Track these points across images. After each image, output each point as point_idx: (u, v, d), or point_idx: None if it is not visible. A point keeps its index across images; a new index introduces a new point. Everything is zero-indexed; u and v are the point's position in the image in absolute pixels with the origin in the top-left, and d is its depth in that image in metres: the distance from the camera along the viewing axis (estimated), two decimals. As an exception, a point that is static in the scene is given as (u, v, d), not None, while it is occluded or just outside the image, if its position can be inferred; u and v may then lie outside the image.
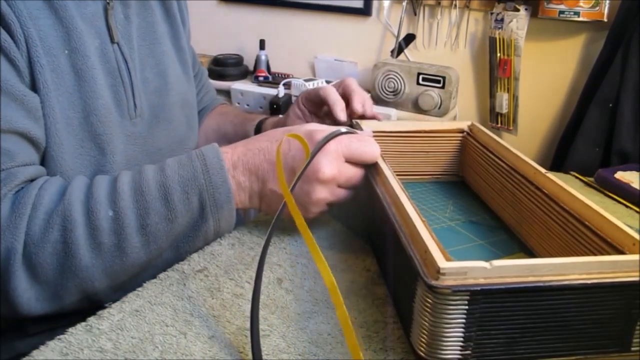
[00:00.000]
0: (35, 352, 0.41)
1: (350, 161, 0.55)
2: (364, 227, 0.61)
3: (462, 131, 0.72)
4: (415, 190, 0.71)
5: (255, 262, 0.54)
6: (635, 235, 0.42)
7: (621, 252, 0.43)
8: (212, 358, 0.41)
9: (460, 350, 0.38)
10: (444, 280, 0.37)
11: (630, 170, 0.81)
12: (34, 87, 0.55)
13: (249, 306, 0.47)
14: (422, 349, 0.39)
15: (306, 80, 1.64)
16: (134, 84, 0.65)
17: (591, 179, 0.82)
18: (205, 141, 0.90)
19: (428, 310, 0.38)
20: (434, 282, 0.37)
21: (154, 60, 0.70)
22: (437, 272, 0.37)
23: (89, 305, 0.52)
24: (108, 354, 0.41)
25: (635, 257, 0.40)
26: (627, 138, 1.30)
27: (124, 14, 0.66)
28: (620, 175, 0.79)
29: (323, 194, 0.54)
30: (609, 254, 0.44)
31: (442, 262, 0.37)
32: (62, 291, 0.51)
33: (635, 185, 0.76)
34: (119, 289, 0.53)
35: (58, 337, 0.43)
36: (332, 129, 0.56)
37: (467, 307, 0.37)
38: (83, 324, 0.44)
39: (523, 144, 1.64)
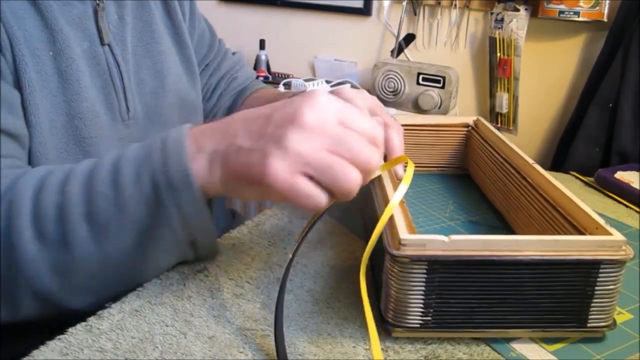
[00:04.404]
0: (35, 352, 0.41)
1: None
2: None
3: (467, 125, 0.73)
4: (420, 182, 0.72)
5: (255, 261, 0.54)
6: (599, 219, 0.44)
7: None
8: (212, 358, 0.41)
9: (421, 316, 0.42)
10: (404, 250, 0.41)
11: (630, 170, 0.81)
12: (18, 86, 0.54)
13: (250, 306, 0.47)
14: (389, 315, 0.43)
15: (306, 80, 1.64)
16: (126, 86, 0.64)
17: (591, 179, 0.82)
18: None
19: (393, 279, 0.42)
20: (395, 252, 0.41)
21: (150, 60, 0.69)
22: (399, 243, 0.41)
23: (56, 315, 0.48)
24: (108, 354, 0.41)
25: (588, 237, 0.42)
26: (627, 138, 1.29)
27: (117, 14, 0.65)
28: (620, 175, 0.79)
29: (299, 143, 0.40)
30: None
31: (403, 234, 0.41)
32: (14, 293, 0.46)
33: (635, 185, 0.76)
34: (92, 294, 0.48)
35: (58, 337, 0.43)
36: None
37: (425, 275, 0.41)
38: (83, 324, 0.44)
39: (523, 144, 1.63)
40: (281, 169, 0.40)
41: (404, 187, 0.45)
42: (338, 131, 0.41)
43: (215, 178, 0.45)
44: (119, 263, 0.47)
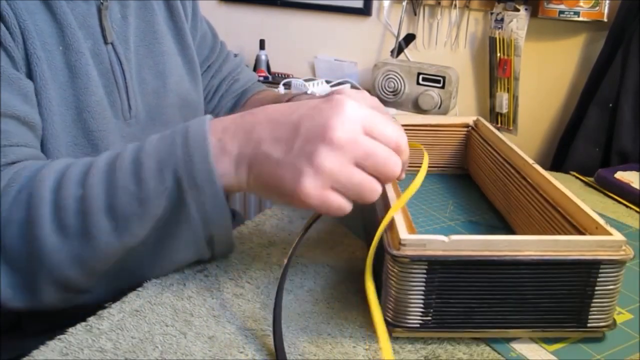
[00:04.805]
0: (35, 352, 0.41)
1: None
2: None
3: (467, 125, 0.74)
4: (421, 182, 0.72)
5: (255, 261, 0.54)
6: (599, 219, 0.44)
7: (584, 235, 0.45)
8: (212, 358, 0.41)
9: (421, 316, 0.42)
10: (404, 250, 0.41)
11: (630, 170, 0.81)
12: (30, 78, 0.55)
13: (250, 306, 0.47)
14: (389, 315, 0.43)
15: (306, 80, 1.64)
16: (129, 85, 0.65)
17: (591, 179, 0.82)
18: None
19: (393, 279, 0.42)
20: (395, 252, 0.41)
21: (152, 60, 0.70)
22: (399, 243, 0.41)
23: (75, 305, 0.49)
24: (108, 354, 0.41)
25: (588, 237, 0.42)
26: (627, 138, 1.29)
27: (121, 13, 0.66)
28: (620, 175, 0.79)
29: (331, 161, 0.41)
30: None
31: (403, 234, 0.41)
32: (34, 281, 0.46)
33: (635, 185, 0.76)
34: (110, 283, 0.49)
35: (58, 337, 0.43)
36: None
37: (425, 275, 0.41)
38: (83, 324, 0.44)
39: (523, 144, 1.63)
40: (314, 187, 0.42)
41: (422, 173, 0.48)
42: (365, 145, 0.42)
43: (242, 181, 0.46)
44: (138, 255, 0.48)
